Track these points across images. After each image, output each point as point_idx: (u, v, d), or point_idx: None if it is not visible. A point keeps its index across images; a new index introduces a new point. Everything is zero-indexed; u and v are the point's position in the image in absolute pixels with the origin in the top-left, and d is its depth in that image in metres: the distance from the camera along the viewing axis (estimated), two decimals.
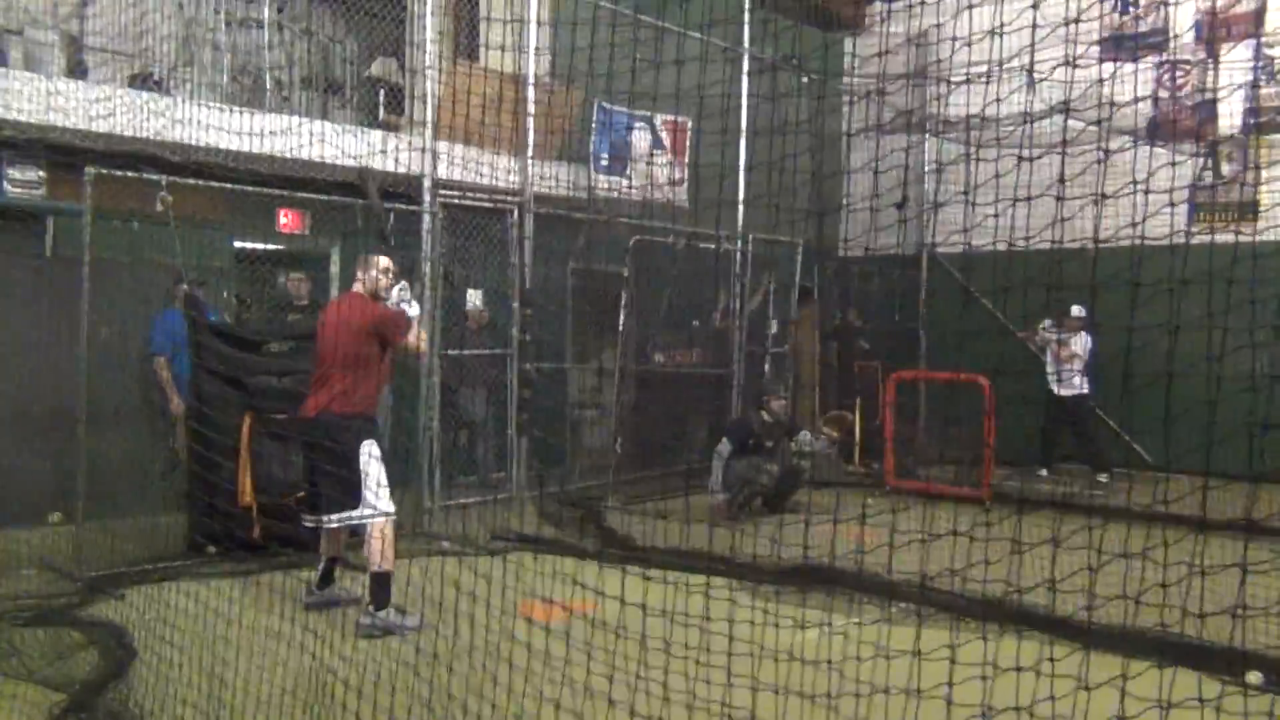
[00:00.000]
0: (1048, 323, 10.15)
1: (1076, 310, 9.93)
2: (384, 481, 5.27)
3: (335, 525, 5.39)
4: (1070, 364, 10.00)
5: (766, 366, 10.81)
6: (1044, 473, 10.33)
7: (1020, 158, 3.23)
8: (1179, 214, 9.80)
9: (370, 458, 5.23)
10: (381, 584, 5.16)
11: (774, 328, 10.98)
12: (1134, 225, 3.15)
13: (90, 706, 4.02)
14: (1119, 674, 2.80)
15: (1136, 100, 9.62)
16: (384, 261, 5.61)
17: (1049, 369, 10.24)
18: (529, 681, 3.76)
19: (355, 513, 5.22)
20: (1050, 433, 10.39)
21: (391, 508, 5.27)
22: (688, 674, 3.47)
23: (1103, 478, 9.92)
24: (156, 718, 3.95)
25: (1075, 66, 3.46)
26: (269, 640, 4.48)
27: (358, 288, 5.56)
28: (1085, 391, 10.19)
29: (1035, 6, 3.16)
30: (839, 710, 3.26)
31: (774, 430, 8.59)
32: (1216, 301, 3.41)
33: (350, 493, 5.20)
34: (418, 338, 5.76)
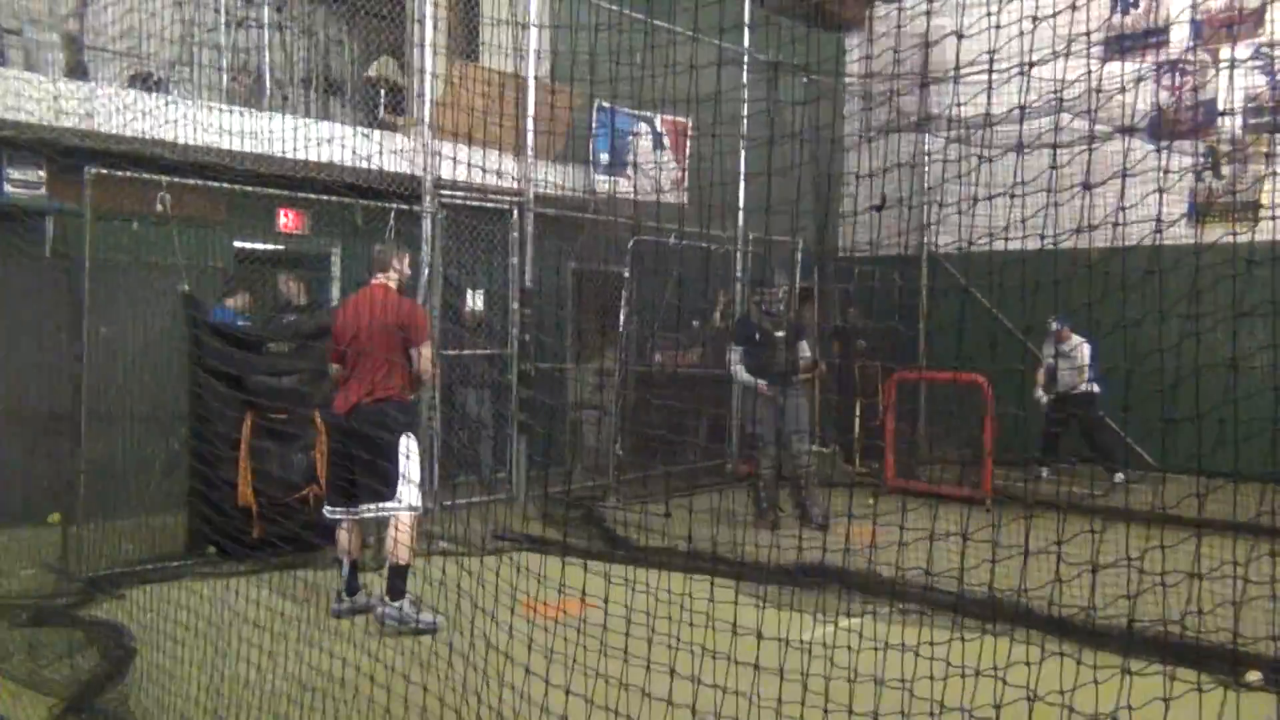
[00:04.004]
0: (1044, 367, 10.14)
1: (1055, 324, 9.89)
2: (416, 476, 5.37)
3: (370, 516, 5.46)
4: (1070, 369, 9.99)
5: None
6: (1044, 472, 10.32)
7: (1009, 151, 3.24)
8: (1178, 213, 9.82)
9: (408, 450, 5.36)
10: (399, 575, 5.25)
11: None
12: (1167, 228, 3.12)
13: (90, 706, 4.02)
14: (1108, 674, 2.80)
15: (1137, 97, 9.61)
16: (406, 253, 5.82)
17: (1062, 369, 10.17)
18: (533, 679, 3.75)
19: (389, 504, 5.29)
20: (1053, 435, 10.34)
21: (419, 502, 5.40)
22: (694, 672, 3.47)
23: (1118, 477, 9.86)
24: (156, 718, 3.95)
25: (1072, 64, 3.47)
26: (269, 640, 4.47)
27: (385, 280, 5.55)
28: (1095, 390, 10.14)
29: (1066, 10, 3.17)
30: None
31: (776, 326, 8.17)
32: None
33: (388, 483, 5.26)
34: (430, 363, 5.68)
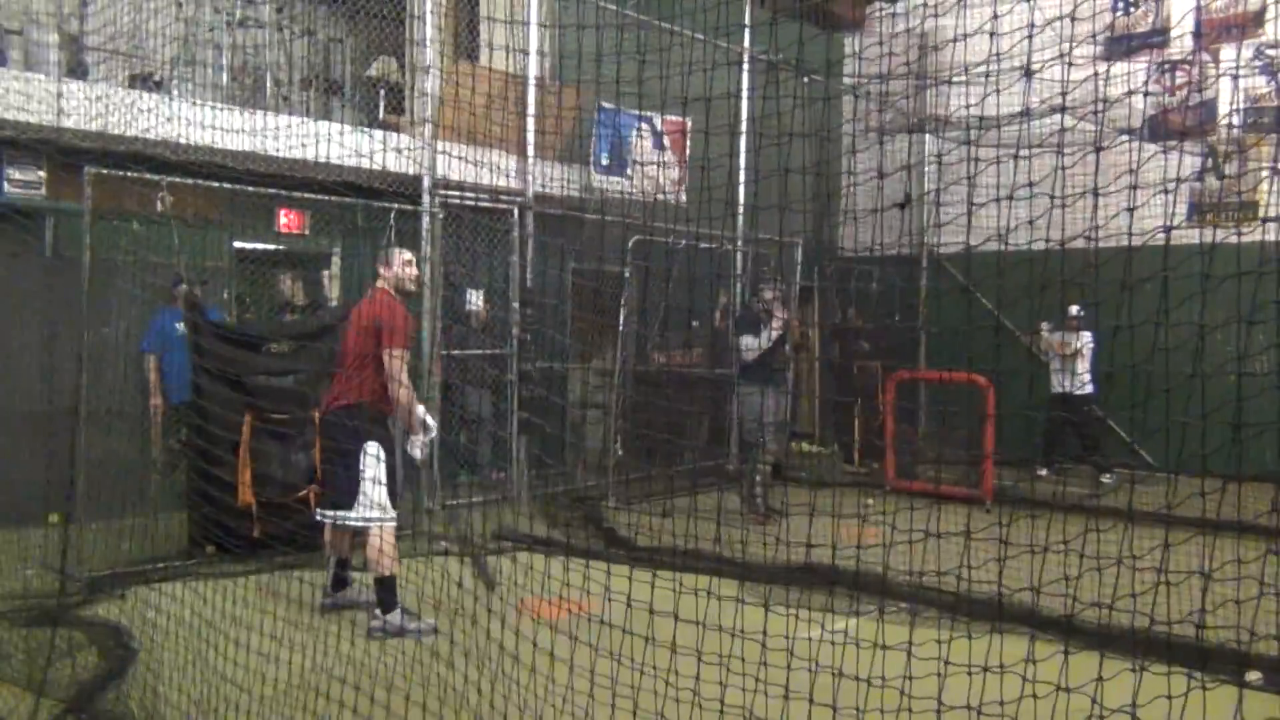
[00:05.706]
0: (1047, 325, 10.15)
1: (1075, 310, 9.93)
2: (381, 482, 5.18)
3: (329, 522, 5.38)
4: (1073, 363, 10.01)
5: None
6: (1044, 472, 10.33)
7: (1015, 155, 3.24)
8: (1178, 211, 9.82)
9: (371, 458, 5.18)
10: (385, 588, 5.17)
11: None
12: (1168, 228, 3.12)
13: (90, 707, 4.02)
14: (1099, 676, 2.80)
15: (1131, 93, 9.61)
16: (405, 254, 5.53)
17: (1054, 369, 10.23)
18: (535, 680, 3.75)
19: (350, 514, 5.20)
20: (1053, 432, 10.38)
21: (390, 512, 5.22)
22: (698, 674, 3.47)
23: (1106, 478, 9.91)
24: (156, 718, 3.95)
25: (1073, 65, 3.47)
26: (270, 640, 4.47)
27: (381, 284, 5.42)
28: (1090, 391, 10.18)
29: (1068, 18, 3.16)
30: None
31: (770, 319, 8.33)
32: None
33: (346, 492, 5.18)
34: (406, 401, 5.25)
